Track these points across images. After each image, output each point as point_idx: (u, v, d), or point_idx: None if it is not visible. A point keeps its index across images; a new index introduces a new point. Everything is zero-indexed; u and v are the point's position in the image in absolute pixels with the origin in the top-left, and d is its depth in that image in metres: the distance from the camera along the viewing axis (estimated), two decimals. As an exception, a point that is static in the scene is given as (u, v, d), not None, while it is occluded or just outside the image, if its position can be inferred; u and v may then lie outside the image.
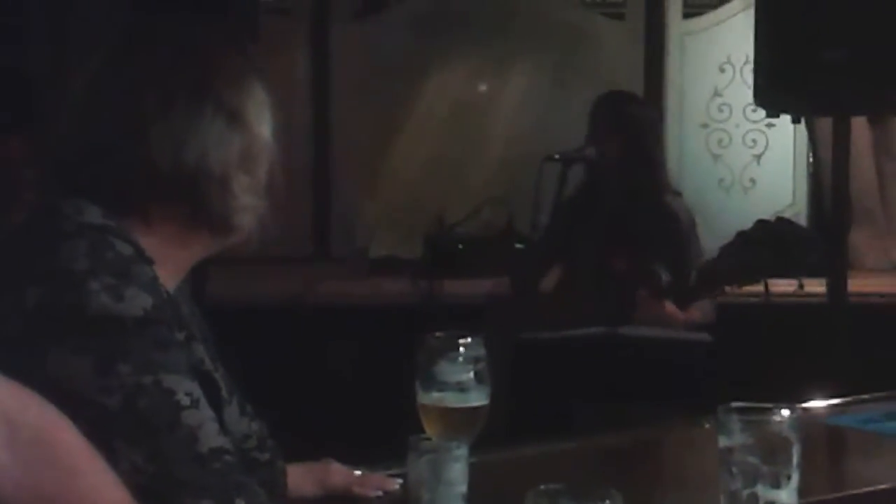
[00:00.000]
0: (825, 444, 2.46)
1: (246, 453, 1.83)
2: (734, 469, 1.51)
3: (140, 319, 1.55)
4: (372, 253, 5.57)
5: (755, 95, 4.03)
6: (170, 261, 1.67)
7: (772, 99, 3.99)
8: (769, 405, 1.56)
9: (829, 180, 4.26)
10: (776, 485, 1.50)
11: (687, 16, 6.05)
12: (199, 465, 1.54)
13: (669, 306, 4.06)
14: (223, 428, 1.64)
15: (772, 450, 1.50)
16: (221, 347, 1.87)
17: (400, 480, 1.97)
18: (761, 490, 1.49)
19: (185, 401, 1.55)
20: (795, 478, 1.50)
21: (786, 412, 1.54)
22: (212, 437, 1.56)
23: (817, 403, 2.71)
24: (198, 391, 1.58)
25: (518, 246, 5.15)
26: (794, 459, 1.50)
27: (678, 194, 4.41)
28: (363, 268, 5.50)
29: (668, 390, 3.82)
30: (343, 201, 5.94)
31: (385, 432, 2.08)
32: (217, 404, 1.67)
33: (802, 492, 1.53)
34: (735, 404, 1.55)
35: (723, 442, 1.52)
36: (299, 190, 5.86)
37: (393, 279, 5.29)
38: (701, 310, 4.16)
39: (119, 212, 1.63)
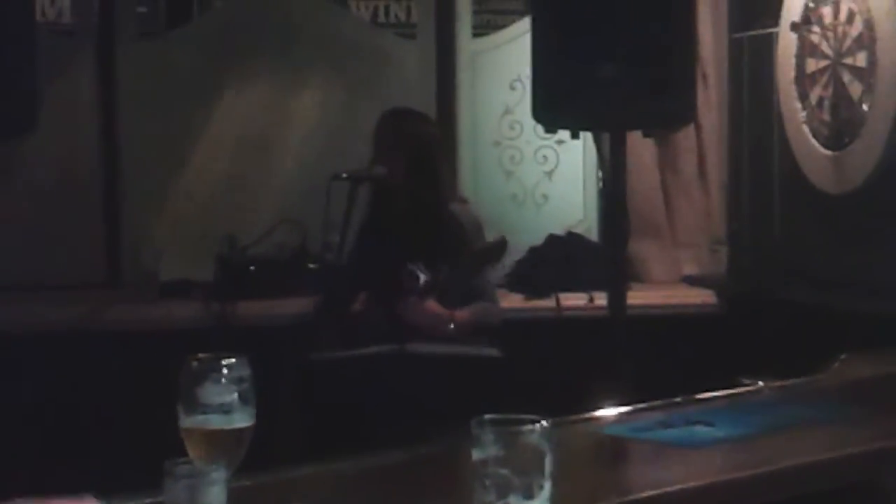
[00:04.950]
0: (597, 453, 2.50)
1: None
2: (487, 481, 1.51)
3: None
4: (163, 276, 5.47)
5: (534, 111, 4.09)
6: None
7: (550, 115, 4.05)
8: (524, 416, 1.57)
9: (614, 195, 4.33)
10: (529, 495, 1.50)
11: (477, 35, 6.10)
12: None
13: (431, 304, 4.09)
14: None
15: (523, 461, 1.51)
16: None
17: None
18: (514, 501, 1.50)
19: None
20: (548, 487, 1.51)
21: (542, 423, 1.55)
22: None
23: (600, 413, 2.76)
24: None
25: (311, 266, 5.12)
26: (546, 469, 1.51)
27: (464, 201, 4.46)
28: (154, 291, 5.40)
29: (456, 406, 3.84)
30: (133, 225, 5.82)
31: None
32: None
33: (558, 501, 1.54)
34: (488, 417, 1.56)
35: (476, 455, 1.53)
36: (88, 214, 5.74)
37: (185, 302, 5.22)
38: (473, 311, 4.19)
39: None
